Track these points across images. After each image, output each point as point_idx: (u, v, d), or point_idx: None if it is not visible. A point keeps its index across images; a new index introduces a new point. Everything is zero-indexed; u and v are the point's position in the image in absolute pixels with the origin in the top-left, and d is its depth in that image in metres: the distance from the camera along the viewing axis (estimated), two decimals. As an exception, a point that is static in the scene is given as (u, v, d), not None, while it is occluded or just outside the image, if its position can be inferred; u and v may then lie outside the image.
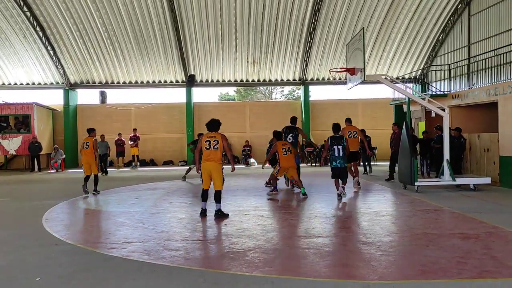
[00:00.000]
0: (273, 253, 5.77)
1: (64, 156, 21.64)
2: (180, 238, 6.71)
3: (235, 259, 5.52)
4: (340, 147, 9.98)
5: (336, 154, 9.99)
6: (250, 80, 23.69)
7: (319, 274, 4.94)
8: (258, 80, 23.80)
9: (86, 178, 11.80)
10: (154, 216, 8.70)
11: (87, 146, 11.80)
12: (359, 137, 12.27)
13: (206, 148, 8.16)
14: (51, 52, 21.37)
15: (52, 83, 23.23)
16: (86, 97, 25.41)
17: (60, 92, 23.36)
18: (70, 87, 23.09)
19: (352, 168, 12.16)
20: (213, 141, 8.14)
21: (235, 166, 9.05)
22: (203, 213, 8.31)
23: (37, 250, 6.18)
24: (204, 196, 8.33)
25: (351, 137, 11.78)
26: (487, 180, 11.39)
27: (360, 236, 6.56)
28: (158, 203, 10.35)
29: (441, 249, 5.80)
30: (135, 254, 5.85)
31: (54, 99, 24.14)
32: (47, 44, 20.97)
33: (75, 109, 23.91)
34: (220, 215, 8.16)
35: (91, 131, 12.22)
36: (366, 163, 16.64)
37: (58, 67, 22.10)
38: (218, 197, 8.17)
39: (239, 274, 4.97)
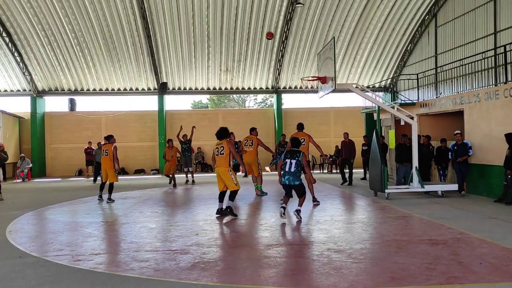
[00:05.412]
0: (245, 262, 5.72)
1: (31, 165, 21.03)
2: (150, 249, 6.58)
3: (206, 269, 5.44)
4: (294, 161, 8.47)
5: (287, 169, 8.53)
6: (223, 88, 23.67)
7: (289, 283, 4.92)
8: (231, 88, 23.79)
9: (102, 185, 11.90)
10: (123, 226, 8.51)
11: (106, 154, 11.68)
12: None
13: (216, 154, 9.18)
14: (18, 58, 20.79)
15: (19, 90, 22.57)
16: (54, 104, 24.84)
17: (27, 99, 22.73)
18: (37, 94, 22.50)
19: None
20: (220, 148, 9.08)
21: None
22: (218, 212, 9.18)
23: (0, 263, 5.95)
24: (220, 197, 9.25)
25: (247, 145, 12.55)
26: (454, 187, 11.67)
27: (331, 244, 6.58)
28: (128, 212, 10.14)
29: (410, 255, 5.88)
30: (103, 266, 5.69)
31: (21, 106, 23.47)
32: (13, 50, 20.38)
33: (43, 117, 23.28)
34: (227, 212, 9.03)
35: (110, 137, 12.00)
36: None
37: (25, 73, 21.51)
38: (231, 196, 9.07)
39: (210, 284, 4.90)
